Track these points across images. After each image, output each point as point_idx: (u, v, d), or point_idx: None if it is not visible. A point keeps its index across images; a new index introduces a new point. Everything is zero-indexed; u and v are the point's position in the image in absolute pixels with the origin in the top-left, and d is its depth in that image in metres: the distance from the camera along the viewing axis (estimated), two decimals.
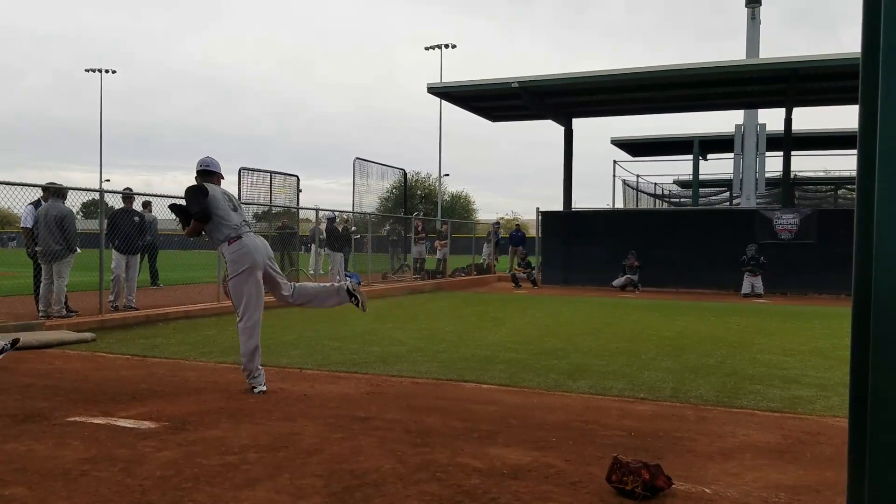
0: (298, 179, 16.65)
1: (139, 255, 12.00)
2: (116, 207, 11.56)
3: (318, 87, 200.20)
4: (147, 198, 15.30)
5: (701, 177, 30.13)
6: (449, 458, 3.84)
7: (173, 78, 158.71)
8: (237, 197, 6.42)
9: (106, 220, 11.03)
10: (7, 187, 9.21)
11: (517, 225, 28.20)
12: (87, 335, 8.55)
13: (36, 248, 9.79)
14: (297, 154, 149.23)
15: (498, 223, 28.48)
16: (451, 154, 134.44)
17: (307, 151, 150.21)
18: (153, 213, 16.38)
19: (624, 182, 31.62)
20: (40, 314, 9.68)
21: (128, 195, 11.70)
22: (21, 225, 10.47)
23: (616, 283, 19.18)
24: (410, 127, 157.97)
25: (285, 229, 16.69)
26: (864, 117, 2.15)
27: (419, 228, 21.89)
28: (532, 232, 28.13)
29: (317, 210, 18.19)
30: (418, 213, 28.28)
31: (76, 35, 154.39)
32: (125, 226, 11.26)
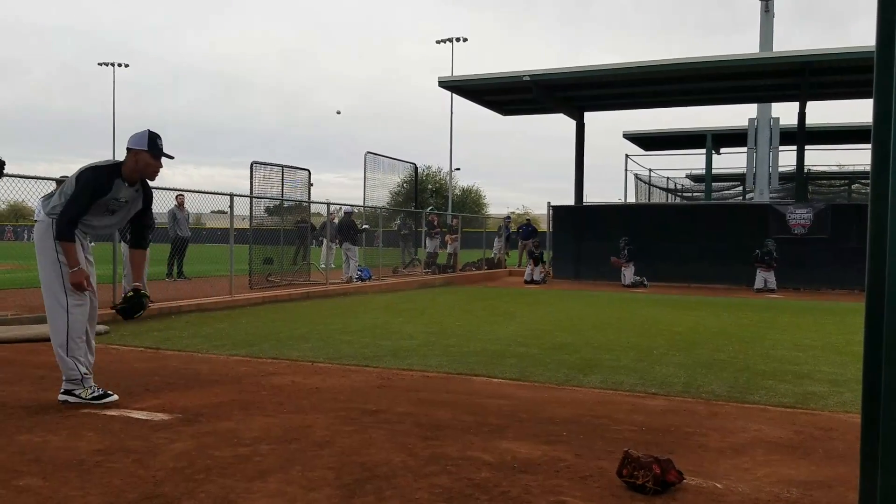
0: (310, 173, 16.69)
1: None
2: None
3: (324, 81, 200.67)
4: (181, 193, 15.60)
5: (714, 171, 29.97)
6: (459, 452, 3.85)
7: (179, 71, 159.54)
8: (143, 194, 5.07)
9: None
10: (21, 180, 9.28)
11: (527, 220, 28.23)
12: (101, 327, 8.60)
13: None
14: (305, 148, 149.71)
15: (508, 217, 28.48)
16: (462, 148, 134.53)
17: (315, 145, 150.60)
18: (186, 210, 16.59)
19: (636, 176, 31.50)
20: None
21: None
22: (35, 218, 10.51)
23: (626, 281, 19.09)
24: (420, 121, 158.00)
25: (302, 223, 16.71)
26: (879, 111, 2.14)
27: (434, 223, 21.89)
28: (543, 226, 28.08)
29: (328, 204, 18.22)
30: (432, 208, 28.31)
31: (82, 28, 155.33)
32: None
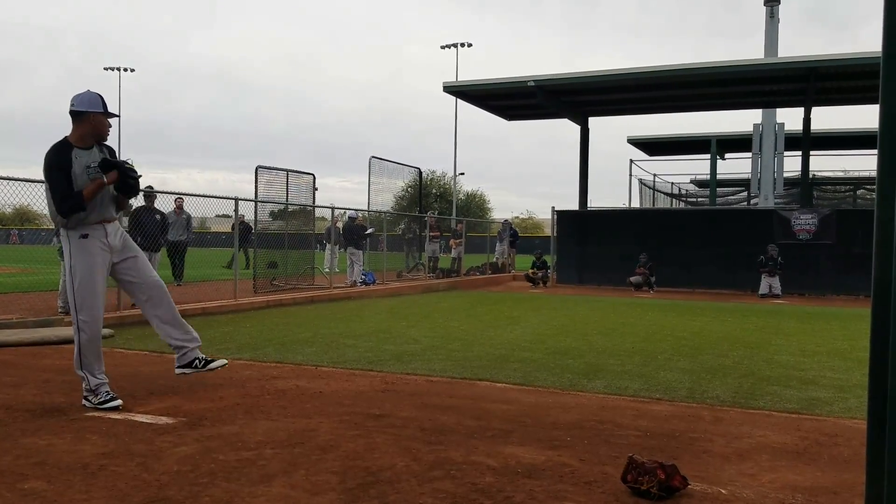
0: (314, 178, 16.71)
1: (160, 251, 12.08)
2: (136, 205, 11.67)
3: (328, 85, 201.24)
4: (180, 197, 15.47)
5: (718, 176, 29.89)
6: (463, 457, 3.85)
7: (184, 76, 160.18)
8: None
9: (127, 218, 11.11)
10: (26, 184, 9.30)
11: (504, 220, 28.97)
12: (106, 331, 8.59)
13: None
14: (309, 152, 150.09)
15: (507, 220, 28.64)
16: (467, 152, 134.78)
17: (319, 149, 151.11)
18: (187, 212, 16.49)
19: (640, 181, 31.45)
20: (60, 310, 9.78)
21: (149, 193, 11.83)
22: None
23: (633, 279, 19.07)
24: (424, 125, 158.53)
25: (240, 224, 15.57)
26: (885, 117, 2.14)
27: (432, 226, 21.93)
28: (547, 231, 28.18)
29: (332, 208, 18.24)
30: (432, 212, 28.52)
31: (88, 31, 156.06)
32: (147, 223, 11.39)
